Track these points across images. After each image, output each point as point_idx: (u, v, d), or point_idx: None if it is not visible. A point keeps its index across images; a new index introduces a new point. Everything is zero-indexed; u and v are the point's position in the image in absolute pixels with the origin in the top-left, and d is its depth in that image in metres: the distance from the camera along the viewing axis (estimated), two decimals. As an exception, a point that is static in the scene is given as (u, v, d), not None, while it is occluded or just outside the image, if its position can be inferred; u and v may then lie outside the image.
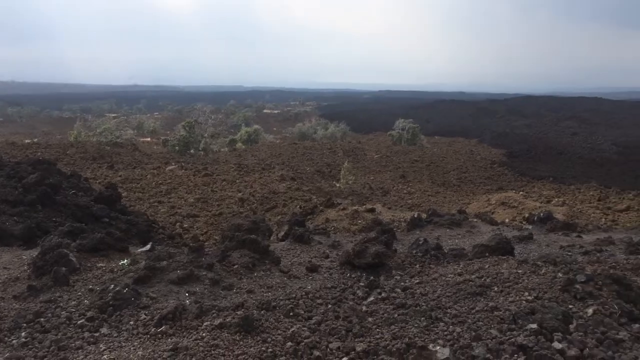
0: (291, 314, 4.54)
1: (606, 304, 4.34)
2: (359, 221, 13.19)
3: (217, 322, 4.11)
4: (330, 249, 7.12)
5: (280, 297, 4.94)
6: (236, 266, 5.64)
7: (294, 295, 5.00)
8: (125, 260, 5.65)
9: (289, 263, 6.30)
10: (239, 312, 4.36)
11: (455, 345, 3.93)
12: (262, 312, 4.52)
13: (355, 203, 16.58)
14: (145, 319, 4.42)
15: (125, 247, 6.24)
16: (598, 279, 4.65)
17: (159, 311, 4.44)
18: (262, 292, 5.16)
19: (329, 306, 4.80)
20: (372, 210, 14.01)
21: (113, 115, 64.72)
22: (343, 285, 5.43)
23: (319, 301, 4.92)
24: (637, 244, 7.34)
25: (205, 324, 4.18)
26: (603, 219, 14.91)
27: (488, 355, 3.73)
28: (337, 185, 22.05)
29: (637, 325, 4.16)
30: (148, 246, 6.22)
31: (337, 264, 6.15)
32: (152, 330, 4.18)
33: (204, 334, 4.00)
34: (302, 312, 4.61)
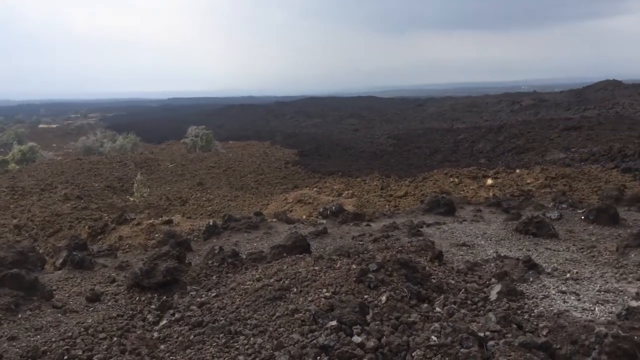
0: (65, 357, 3.84)
1: (397, 289, 4.48)
2: (156, 235, 12.37)
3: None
4: (118, 271, 6.38)
5: (53, 339, 4.16)
6: (-7, 310, 4.64)
7: (70, 334, 4.25)
8: None
9: (66, 295, 5.44)
10: (-6, 369, 3.53)
11: (257, 359, 3.67)
12: (28, 362, 3.73)
13: (153, 216, 15.58)
14: None
15: None
16: (388, 265, 4.80)
17: None
18: (29, 336, 4.29)
19: (114, 339, 4.18)
20: (169, 222, 13.25)
21: None
22: (131, 312, 4.82)
23: (101, 335, 4.26)
24: (417, 226, 7.96)
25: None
26: (387, 206, 16.17)
27: (291, 363, 3.54)
28: (131, 199, 20.60)
29: (425, 305, 4.35)
30: None
31: (125, 288, 5.48)
32: None
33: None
34: (80, 353, 3.92)
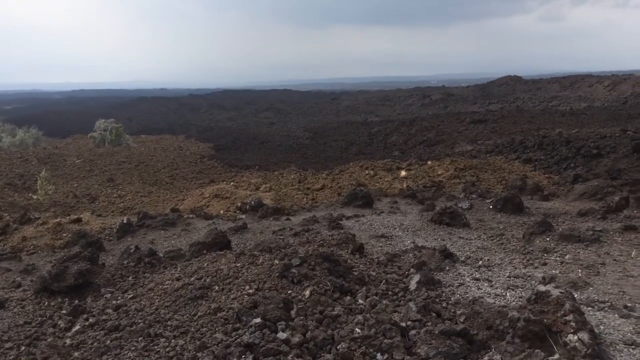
0: (-33, 372, 3.54)
1: (320, 283, 4.51)
2: (64, 235, 11.71)
3: None
4: (23, 275, 5.98)
5: (-49, 353, 3.83)
6: None
7: (-29, 346, 3.94)
8: None
9: (-35, 304, 5.02)
10: None
11: (180, 361, 3.56)
12: None
13: (59, 214, 14.71)
14: None
15: None
16: (311, 259, 4.82)
17: None
18: None
19: (22, 348, 3.91)
20: (78, 221, 12.57)
21: None
22: (40, 319, 4.53)
23: (8, 345, 3.98)
24: (337, 219, 8.06)
25: None
26: (305, 199, 16.25)
27: (215, 363, 3.46)
28: (35, 197, 19.33)
29: (348, 298, 4.41)
30: None
31: (32, 293, 5.14)
32: None
33: None
34: (-16, 366, 3.64)
